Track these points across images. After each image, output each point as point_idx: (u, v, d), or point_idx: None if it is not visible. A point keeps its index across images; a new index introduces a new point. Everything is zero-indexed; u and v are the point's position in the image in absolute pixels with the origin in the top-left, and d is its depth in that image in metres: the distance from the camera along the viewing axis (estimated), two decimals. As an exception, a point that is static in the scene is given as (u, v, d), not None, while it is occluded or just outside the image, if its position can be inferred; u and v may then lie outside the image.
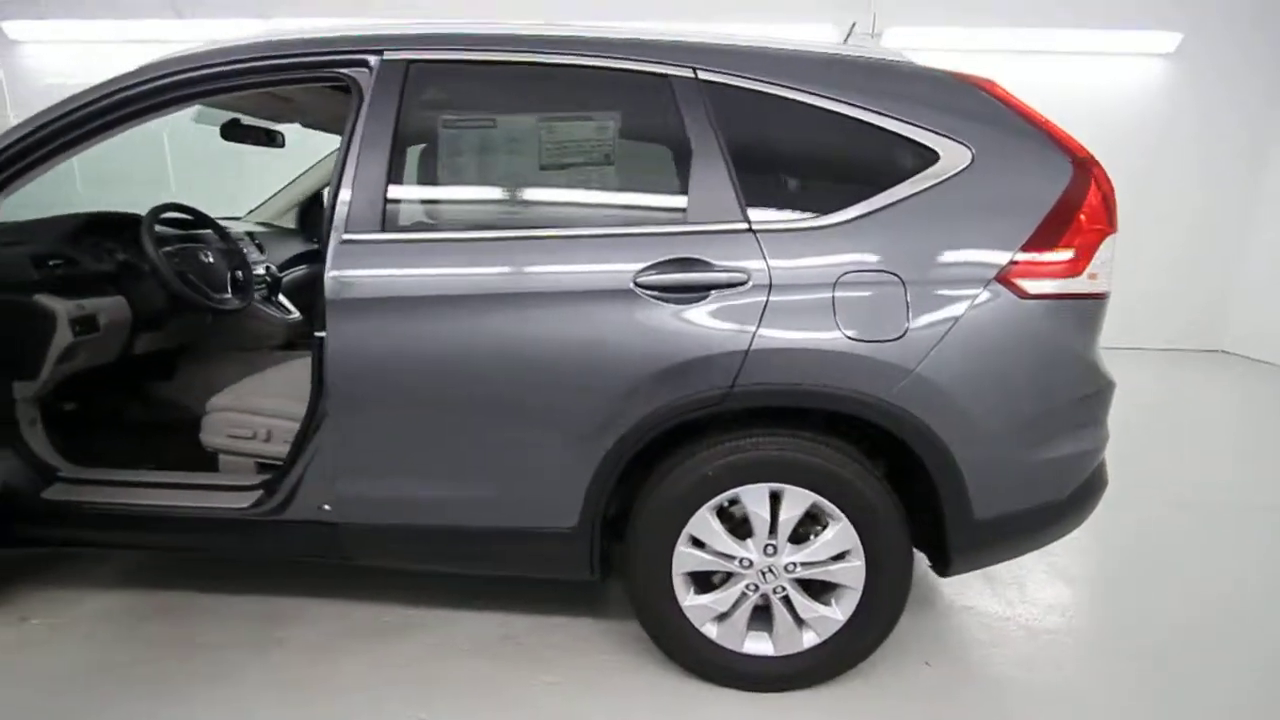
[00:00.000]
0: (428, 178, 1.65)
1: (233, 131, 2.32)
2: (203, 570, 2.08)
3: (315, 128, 2.71)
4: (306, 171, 3.16)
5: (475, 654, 1.74)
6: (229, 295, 2.30)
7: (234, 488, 1.73)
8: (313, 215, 3.22)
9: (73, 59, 5.63)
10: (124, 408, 2.31)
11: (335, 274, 1.47)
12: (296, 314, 2.67)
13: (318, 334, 1.51)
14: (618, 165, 1.56)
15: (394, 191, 1.51)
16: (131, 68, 1.62)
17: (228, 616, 1.88)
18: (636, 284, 1.41)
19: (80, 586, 2.01)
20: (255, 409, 1.86)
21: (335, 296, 1.47)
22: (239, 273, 2.39)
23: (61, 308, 1.73)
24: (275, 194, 3.18)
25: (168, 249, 2.06)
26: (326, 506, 1.63)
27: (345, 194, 1.50)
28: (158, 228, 2.08)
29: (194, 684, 1.62)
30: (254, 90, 1.65)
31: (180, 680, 1.63)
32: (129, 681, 1.63)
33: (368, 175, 1.50)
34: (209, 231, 2.42)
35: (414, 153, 1.58)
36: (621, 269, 1.42)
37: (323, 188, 3.20)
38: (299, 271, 2.90)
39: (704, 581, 1.59)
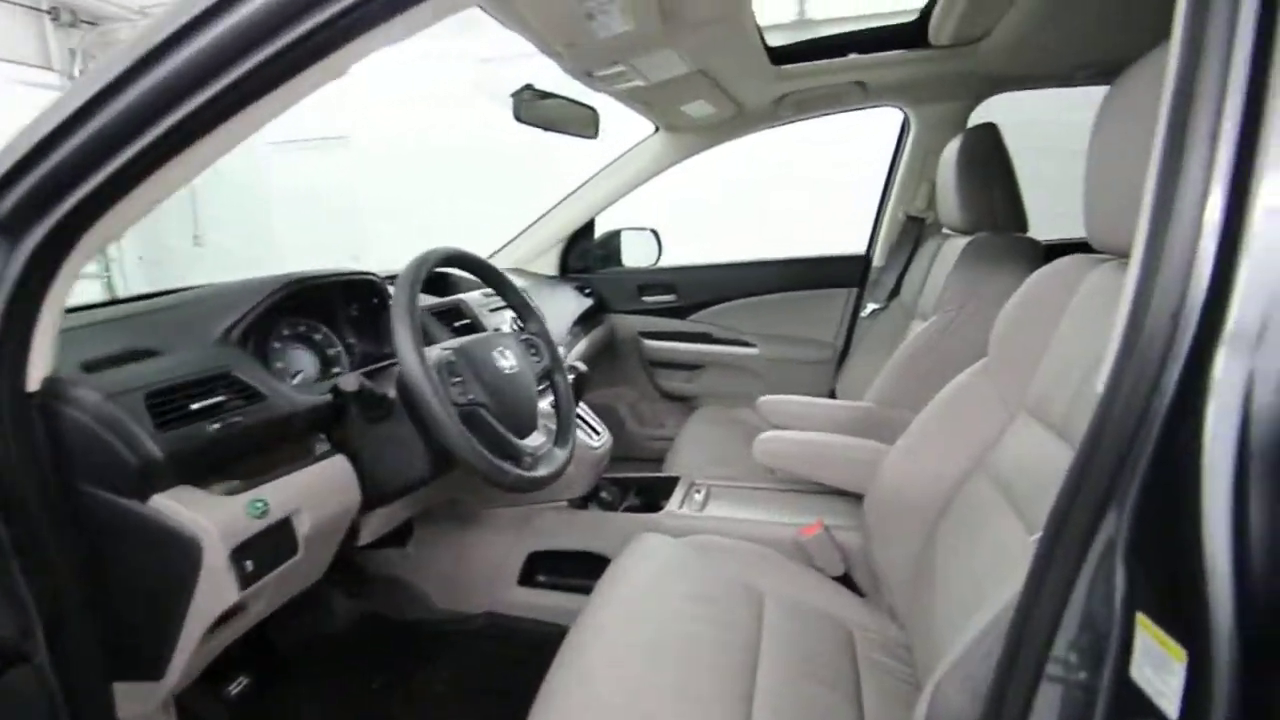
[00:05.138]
0: None
1: (529, 107, 1.30)
2: None
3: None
4: (569, 196, 2.15)
5: None
6: (541, 439, 1.07)
7: None
8: (580, 255, 2.21)
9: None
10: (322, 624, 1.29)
11: None
12: (606, 437, 1.41)
13: None
14: None
15: None
16: None
17: None
18: None
19: None
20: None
21: None
22: (557, 380, 1.16)
23: (215, 524, 0.69)
24: (526, 229, 2.20)
25: (447, 351, 0.94)
26: None
27: None
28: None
29: None
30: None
31: None
32: None
33: None
34: (495, 300, 1.40)
35: None
36: None
37: (593, 216, 2.19)
38: (580, 344, 1.84)
39: None
